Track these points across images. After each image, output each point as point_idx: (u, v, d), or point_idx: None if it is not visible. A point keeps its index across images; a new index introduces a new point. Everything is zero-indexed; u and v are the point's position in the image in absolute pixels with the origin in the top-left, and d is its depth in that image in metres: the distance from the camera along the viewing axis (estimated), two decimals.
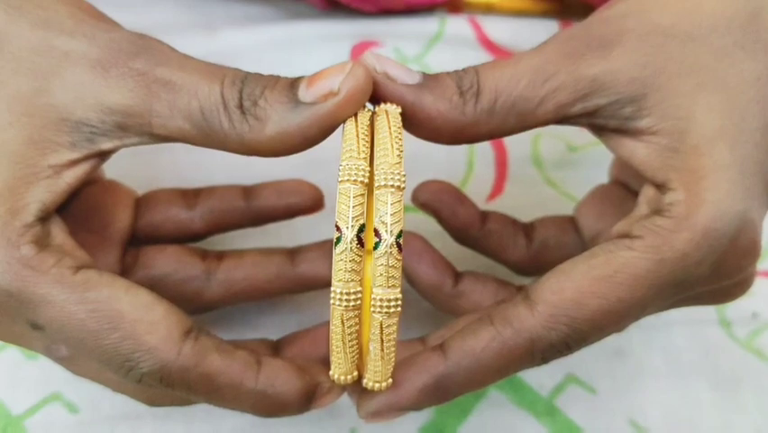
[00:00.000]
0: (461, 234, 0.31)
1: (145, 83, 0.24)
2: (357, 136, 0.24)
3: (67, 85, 0.24)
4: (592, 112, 0.25)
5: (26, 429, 0.33)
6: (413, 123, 0.25)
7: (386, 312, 0.23)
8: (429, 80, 0.25)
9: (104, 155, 0.25)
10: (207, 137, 0.25)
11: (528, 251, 0.31)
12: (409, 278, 0.30)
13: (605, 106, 0.25)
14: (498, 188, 0.38)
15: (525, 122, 0.25)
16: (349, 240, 0.23)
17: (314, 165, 0.36)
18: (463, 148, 0.38)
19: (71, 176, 0.25)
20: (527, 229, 0.32)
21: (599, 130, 0.26)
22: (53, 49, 0.25)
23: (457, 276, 0.30)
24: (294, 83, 0.25)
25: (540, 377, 0.35)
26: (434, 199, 0.31)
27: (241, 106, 0.24)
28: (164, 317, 0.24)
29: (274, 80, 0.25)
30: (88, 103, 0.24)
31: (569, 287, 0.24)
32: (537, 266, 0.31)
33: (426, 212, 0.31)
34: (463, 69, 0.26)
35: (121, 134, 0.25)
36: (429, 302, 0.31)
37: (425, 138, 0.26)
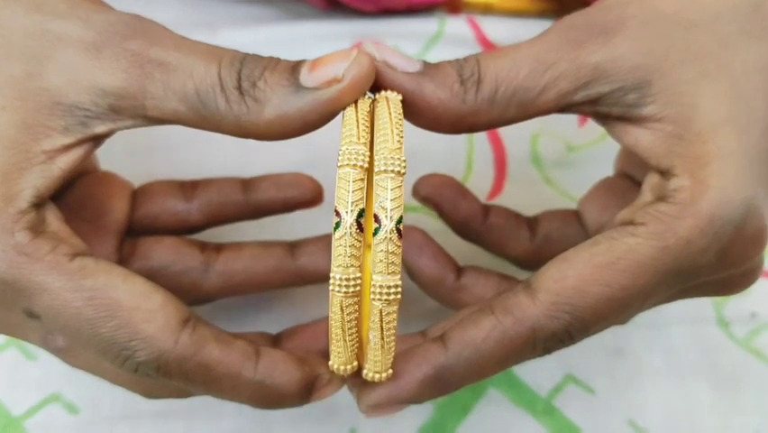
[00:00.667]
0: (462, 228, 0.31)
1: (139, 64, 0.24)
2: (357, 122, 0.23)
3: (60, 68, 0.24)
4: (595, 99, 0.25)
5: (26, 430, 0.33)
6: (413, 111, 0.25)
7: (386, 299, 0.23)
8: (430, 69, 0.25)
9: (97, 139, 0.25)
10: (203, 119, 0.24)
11: (531, 244, 0.31)
12: (410, 271, 0.30)
13: (608, 94, 0.25)
14: (497, 188, 0.38)
15: (526, 111, 0.25)
16: (348, 225, 0.22)
17: (314, 161, 0.36)
18: (462, 146, 0.38)
19: (65, 161, 0.25)
20: (531, 223, 0.31)
21: (603, 118, 0.26)
22: (47, 32, 0.24)
23: (459, 270, 0.30)
24: (295, 66, 0.24)
25: (539, 377, 0.35)
26: (436, 193, 0.31)
27: (239, 87, 0.24)
28: (162, 306, 0.24)
29: (274, 62, 0.25)
30: (82, 85, 0.24)
31: (571, 275, 0.24)
32: (540, 260, 0.31)
33: (427, 206, 0.31)
34: (464, 58, 0.25)
35: (114, 117, 0.25)
36: (430, 296, 0.30)
37: (425, 127, 0.26)
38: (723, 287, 0.27)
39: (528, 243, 0.31)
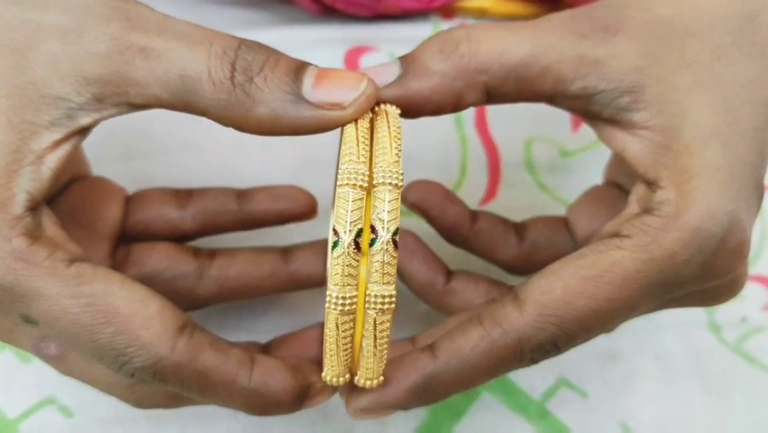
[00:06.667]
0: (451, 234, 0.31)
1: (119, 49, 0.23)
2: (357, 139, 0.23)
3: (42, 58, 0.24)
4: (589, 95, 0.25)
5: None
6: (411, 110, 0.25)
7: (380, 309, 0.23)
8: (409, 66, 0.25)
9: (83, 132, 0.25)
10: (187, 105, 0.24)
11: (519, 250, 0.31)
12: (401, 274, 0.30)
13: (603, 92, 0.25)
14: (491, 193, 0.38)
15: (522, 88, 0.25)
16: (346, 244, 0.22)
17: (310, 167, 0.36)
18: (456, 152, 0.38)
19: (54, 160, 0.24)
20: (519, 228, 0.32)
21: (593, 118, 0.26)
22: (28, 22, 0.24)
23: (449, 274, 0.30)
24: (298, 71, 0.24)
25: (532, 380, 0.35)
26: (423, 199, 0.31)
27: (232, 78, 0.23)
28: (159, 313, 0.24)
29: (275, 58, 0.24)
30: (64, 74, 0.24)
31: (558, 287, 0.24)
32: (528, 265, 0.31)
33: (415, 212, 0.31)
34: (447, 32, 0.25)
35: (98, 106, 0.24)
36: (420, 299, 0.31)
37: (429, 115, 0.26)
38: (707, 298, 0.27)
39: (516, 248, 0.31)
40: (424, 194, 0.31)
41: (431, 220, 0.31)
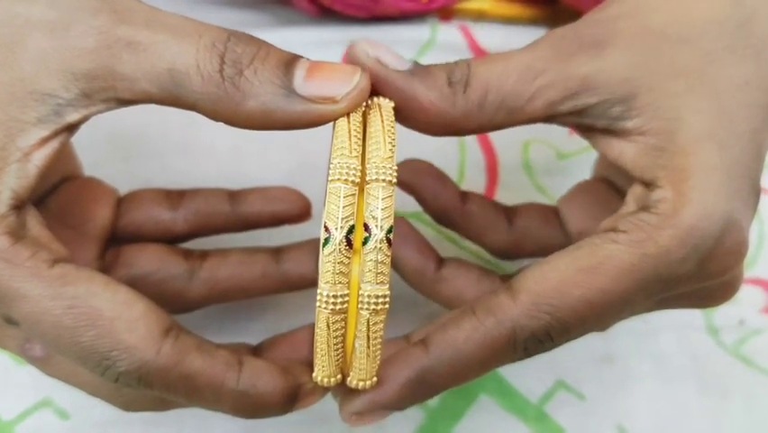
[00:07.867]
0: (441, 216, 0.31)
1: (106, 43, 0.23)
2: (349, 133, 0.23)
3: (30, 54, 0.23)
4: (581, 111, 0.25)
5: None
6: (403, 113, 0.25)
7: (373, 309, 0.23)
8: (420, 70, 0.25)
9: (71, 129, 0.24)
10: (176, 99, 0.24)
11: (508, 235, 0.31)
12: (393, 262, 0.30)
13: (594, 106, 0.25)
14: (488, 194, 0.38)
15: (514, 117, 0.25)
16: (338, 241, 0.22)
17: (307, 170, 0.36)
18: (454, 153, 0.38)
19: (40, 158, 0.24)
20: (509, 213, 0.32)
21: (587, 131, 0.26)
22: (16, 16, 0.24)
23: (440, 261, 0.30)
24: (289, 64, 0.24)
25: (530, 383, 0.35)
26: (415, 179, 0.31)
27: (221, 71, 0.23)
28: (143, 315, 0.24)
29: (265, 50, 0.24)
30: (52, 70, 0.23)
31: (552, 277, 0.24)
32: (516, 251, 0.31)
33: (407, 192, 0.31)
34: (455, 62, 0.26)
35: (87, 102, 0.24)
36: (412, 287, 0.30)
37: (414, 128, 0.26)
38: (703, 298, 0.27)
39: (505, 234, 0.31)
40: (415, 174, 0.31)
41: (422, 201, 0.31)
